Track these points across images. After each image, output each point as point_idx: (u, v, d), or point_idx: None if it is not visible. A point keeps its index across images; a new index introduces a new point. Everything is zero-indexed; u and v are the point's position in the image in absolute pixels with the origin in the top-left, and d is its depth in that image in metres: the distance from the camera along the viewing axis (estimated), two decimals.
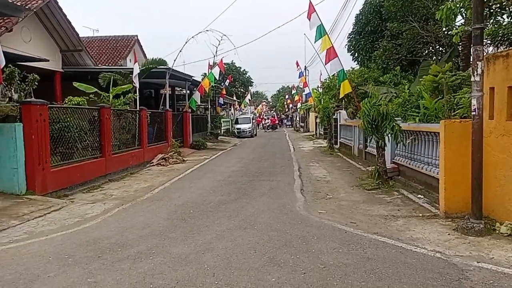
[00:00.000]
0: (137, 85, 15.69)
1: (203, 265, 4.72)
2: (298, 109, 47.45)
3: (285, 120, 68.23)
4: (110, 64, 24.41)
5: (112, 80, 15.53)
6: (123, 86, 15.05)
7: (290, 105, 64.25)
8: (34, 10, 15.10)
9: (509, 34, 9.96)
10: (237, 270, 4.53)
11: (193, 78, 24.32)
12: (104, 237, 5.94)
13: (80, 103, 11.96)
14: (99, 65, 22.30)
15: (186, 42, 20.99)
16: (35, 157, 8.47)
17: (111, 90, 14.43)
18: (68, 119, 9.97)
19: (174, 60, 24.43)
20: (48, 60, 15.45)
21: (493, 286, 3.98)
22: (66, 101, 12.22)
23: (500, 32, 10.07)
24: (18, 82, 10.34)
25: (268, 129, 50.34)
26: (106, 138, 11.69)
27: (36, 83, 10.81)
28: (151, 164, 14.82)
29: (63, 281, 4.35)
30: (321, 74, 30.47)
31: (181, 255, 5.09)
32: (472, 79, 5.89)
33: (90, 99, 13.34)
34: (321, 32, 14.68)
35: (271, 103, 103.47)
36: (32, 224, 6.80)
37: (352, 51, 20.87)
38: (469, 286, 4.00)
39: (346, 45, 21.40)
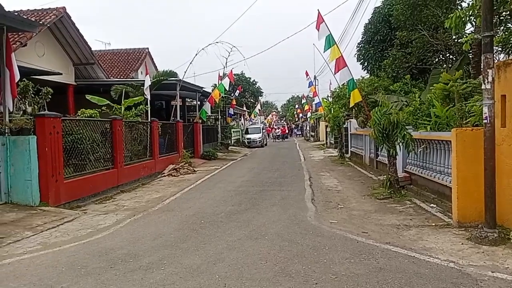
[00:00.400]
0: (148, 97, 15.87)
1: (215, 275, 4.72)
2: (308, 119, 47.42)
3: (295, 130, 68.10)
4: (121, 77, 24.77)
5: (124, 92, 15.75)
6: (134, 98, 15.23)
7: (300, 115, 64.24)
8: (48, 25, 15.46)
9: None
10: (249, 281, 4.53)
11: (203, 89, 24.53)
12: (116, 248, 5.98)
13: (93, 115, 12.13)
14: (111, 77, 22.64)
15: (196, 54, 21.25)
16: (48, 169, 8.59)
17: (123, 102, 14.62)
18: (81, 131, 10.12)
19: (185, 72, 24.67)
20: (61, 74, 15.75)
21: None
22: (79, 114, 12.41)
23: (511, 39, 10.00)
24: (32, 95, 10.57)
25: (278, 139, 49.99)
26: (118, 149, 11.82)
27: (50, 96, 11.04)
28: (163, 175, 14.92)
29: None
30: (330, 83, 30.53)
31: (193, 265, 5.10)
32: (483, 86, 5.86)
33: (103, 111, 13.52)
34: (330, 42, 14.71)
35: (281, 113, 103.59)
36: (46, 235, 6.88)
37: (362, 60, 20.84)
38: None
39: (355, 54, 21.39)
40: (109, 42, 31.49)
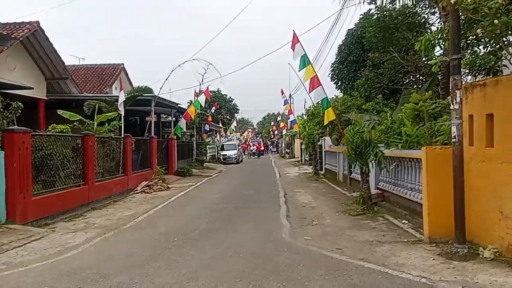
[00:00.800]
0: (122, 112, 15.68)
1: None
2: (284, 136, 47.76)
3: (271, 146, 68.47)
4: (95, 92, 24.40)
5: (97, 108, 15.48)
6: (108, 114, 15.01)
7: (276, 132, 64.67)
8: (20, 39, 15.15)
9: (486, 64, 10.33)
10: None
11: (179, 105, 24.43)
12: (86, 267, 5.79)
13: (64, 130, 11.86)
14: (85, 92, 22.26)
15: (172, 70, 21.25)
16: (16, 186, 8.29)
17: (95, 118, 14.37)
18: (51, 146, 9.86)
19: (160, 88, 24.56)
20: (32, 88, 15.40)
21: None
22: (50, 129, 12.11)
23: (477, 62, 10.43)
24: (1, 110, 10.23)
25: (253, 156, 49.84)
26: (89, 165, 11.55)
27: (20, 111, 10.69)
28: (135, 192, 14.63)
29: None
30: (305, 102, 30.92)
31: (165, 284, 4.98)
32: (452, 107, 6.07)
33: (74, 126, 13.26)
34: (305, 61, 14.99)
35: (256, 130, 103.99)
36: (11, 255, 6.59)
37: (336, 80, 21.31)
38: None
39: (329, 74, 21.87)
40: (83, 57, 31.07)
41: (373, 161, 9.67)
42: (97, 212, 10.77)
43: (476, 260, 5.56)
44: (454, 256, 5.69)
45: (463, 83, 6.61)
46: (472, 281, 4.83)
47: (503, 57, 8.55)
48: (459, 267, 5.37)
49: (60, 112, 14.64)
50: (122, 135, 15.33)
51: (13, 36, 14.27)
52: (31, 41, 16.47)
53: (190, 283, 5.02)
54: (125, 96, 16.58)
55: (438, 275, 5.07)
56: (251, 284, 4.92)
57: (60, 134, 11.24)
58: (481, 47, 10.25)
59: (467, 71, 10.87)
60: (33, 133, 9.20)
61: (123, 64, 28.55)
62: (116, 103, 16.13)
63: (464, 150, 6.09)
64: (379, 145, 9.77)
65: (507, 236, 5.47)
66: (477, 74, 10.69)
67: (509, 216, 5.44)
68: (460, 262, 5.54)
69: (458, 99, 5.97)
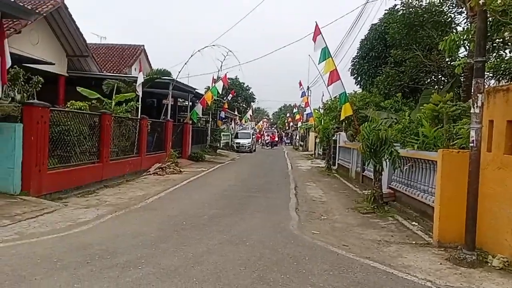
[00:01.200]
0: (140, 93, 15.77)
1: (192, 278, 4.68)
2: (299, 128, 47.57)
3: (285, 138, 68.14)
4: (115, 72, 24.57)
5: (116, 88, 15.60)
6: (126, 94, 15.12)
7: (291, 123, 64.37)
8: (44, 14, 15.30)
9: (511, 69, 10.09)
10: (226, 286, 4.50)
11: (196, 90, 24.47)
12: (95, 243, 5.90)
13: (82, 108, 12.00)
14: (104, 72, 22.46)
15: (192, 55, 21.23)
16: (32, 158, 8.46)
17: (114, 97, 14.49)
18: (69, 122, 10.00)
19: (179, 72, 24.45)
20: (53, 64, 15.58)
21: None
22: (68, 105, 12.27)
23: (502, 66, 10.20)
24: (22, 83, 10.41)
25: (267, 146, 49.41)
26: (105, 144, 11.70)
27: (40, 86, 10.89)
28: (148, 173, 14.80)
29: (49, 285, 4.31)
30: (323, 95, 30.66)
31: (171, 266, 5.05)
32: (472, 111, 5.95)
33: (93, 104, 13.39)
34: (325, 54, 14.85)
35: (272, 120, 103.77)
36: (24, 225, 6.75)
37: (355, 75, 21.05)
38: None
39: (349, 68, 21.60)
40: (105, 36, 31.22)
41: (387, 160, 9.56)
42: (110, 190, 10.93)
43: (484, 268, 5.49)
44: (462, 262, 5.63)
45: (486, 87, 6.47)
46: None
47: None
48: (466, 273, 5.31)
49: (79, 89, 14.81)
50: (139, 116, 15.44)
51: (37, 11, 14.42)
52: (54, 17, 16.64)
53: (196, 267, 5.08)
54: (144, 77, 16.65)
55: (443, 280, 5.02)
56: (255, 273, 4.95)
57: (78, 111, 11.38)
58: (507, 51, 10.01)
59: (491, 74, 10.66)
60: (52, 108, 9.34)
61: (143, 45, 28.66)
62: (134, 84, 16.23)
63: (481, 156, 5.98)
64: (394, 144, 9.65)
65: None
66: (501, 78, 10.46)
67: None
68: (467, 268, 5.48)
69: (479, 103, 5.84)
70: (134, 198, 10.00)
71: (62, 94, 17.55)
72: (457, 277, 5.16)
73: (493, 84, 10.76)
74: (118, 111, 13.92)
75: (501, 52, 10.36)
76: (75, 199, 9.40)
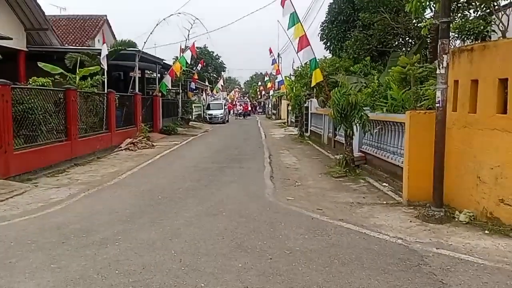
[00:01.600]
0: (105, 67, 15.26)
1: (170, 251, 4.71)
2: (271, 96, 47.49)
3: (257, 107, 67.95)
4: (77, 45, 23.61)
5: (79, 61, 15.02)
6: (90, 68, 14.59)
7: (263, 92, 64.08)
8: None
9: (475, 29, 10.26)
10: (204, 256, 4.56)
11: (164, 61, 23.86)
12: (69, 223, 5.82)
13: (45, 84, 11.54)
14: (66, 45, 21.52)
15: (157, 24, 20.60)
16: None
17: (77, 72, 13.98)
18: (32, 100, 9.61)
19: (145, 43, 23.59)
20: (11, 39, 14.76)
21: (451, 271, 4.16)
22: (30, 82, 11.77)
23: (467, 26, 10.35)
24: None
25: (239, 117, 48.44)
26: (72, 121, 11.35)
27: None
28: (119, 149, 14.55)
29: (25, 267, 4.25)
30: (293, 62, 30.50)
31: (148, 241, 5.06)
32: (438, 71, 6.06)
33: (56, 80, 12.90)
34: (294, 19, 14.65)
35: (244, 90, 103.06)
36: None
37: (325, 40, 20.92)
38: (427, 271, 4.17)
39: (318, 33, 21.44)
40: (64, 7, 29.64)
41: (357, 124, 9.72)
42: (81, 168, 10.72)
43: (452, 223, 5.75)
44: (431, 219, 5.88)
45: (451, 47, 6.58)
46: (446, 243, 5.02)
47: (493, 22, 8.49)
48: (434, 229, 5.56)
49: (41, 64, 14.18)
50: (105, 91, 15.02)
51: None
52: None
53: (173, 239, 5.11)
54: (108, 49, 16.07)
55: (413, 237, 5.24)
56: (233, 242, 5.03)
57: (42, 87, 10.94)
58: (471, 11, 10.15)
59: (456, 35, 10.80)
60: (13, 85, 8.93)
61: (106, 15, 27.55)
62: (98, 56, 15.65)
63: (447, 116, 6.15)
64: (364, 108, 9.79)
65: (483, 200, 5.65)
66: (465, 38, 10.63)
67: (486, 181, 5.59)
68: (436, 224, 5.73)
69: (444, 64, 5.96)
70: (106, 175, 9.85)
71: (22, 71, 16.74)
72: (427, 233, 5.40)
73: (458, 44, 10.94)
74: (84, 86, 13.47)
75: (466, 12, 10.49)
76: (46, 179, 9.18)
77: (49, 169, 9.92)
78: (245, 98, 75.46)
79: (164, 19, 20.65)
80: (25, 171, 9.06)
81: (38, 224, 5.81)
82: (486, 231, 5.35)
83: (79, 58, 15.22)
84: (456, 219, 5.85)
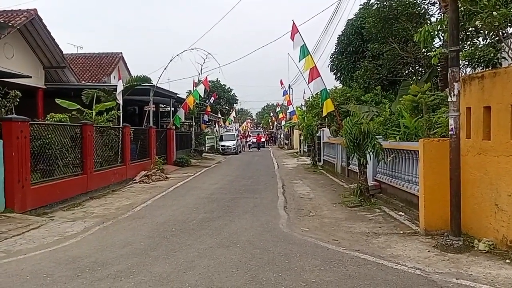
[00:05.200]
0: (120, 102, 15.64)
1: (185, 284, 4.68)
2: (283, 127, 47.67)
3: (272, 137, 67.18)
4: (94, 81, 24.31)
5: (96, 97, 15.45)
6: (106, 103, 14.97)
7: (275, 123, 64.23)
8: (18, 27, 15.04)
9: (485, 56, 10.31)
10: None
11: (177, 95, 24.37)
12: (84, 256, 5.84)
13: (62, 120, 11.84)
14: (83, 81, 22.20)
15: (171, 60, 21.20)
16: (14, 174, 8.31)
17: (94, 107, 14.35)
18: (50, 136, 9.85)
19: (159, 78, 24.55)
20: (30, 77, 15.34)
21: None
22: (48, 118, 12.09)
23: (477, 54, 10.41)
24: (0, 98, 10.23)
25: (251, 148, 46.23)
26: (88, 155, 11.56)
27: (18, 100, 10.70)
28: (134, 181, 14.67)
29: None
30: (304, 93, 30.92)
31: (162, 274, 5.03)
32: (449, 99, 6.08)
33: (73, 115, 13.23)
34: (304, 52, 14.96)
35: (256, 120, 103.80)
36: (10, 243, 6.64)
37: (335, 71, 21.22)
38: None
39: (328, 64, 21.76)
40: (81, 45, 30.84)
41: (371, 153, 9.69)
42: (96, 202, 10.81)
43: (471, 253, 5.61)
44: (449, 248, 5.74)
45: (462, 75, 6.62)
46: (466, 273, 4.89)
47: (502, 50, 8.54)
48: (453, 259, 5.43)
49: (58, 101, 14.61)
50: (121, 125, 15.31)
51: (10, 23, 14.17)
52: (28, 29, 16.37)
53: (188, 272, 5.07)
54: (123, 85, 16.52)
55: (432, 267, 5.12)
56: (247, 274, 4.97)
57: (59, 123, 11.22)
58: (480, 39, 10.24)
59: (466, 63, 10.86)
60: (31, 122, 9.19)
61: (121, 53, 28.39)
62: (114, 92, 16.09)
63: (461, 143, 6.11)
64: (377, 136, 9.78)
65: (502, 229, 5.52)
66: (476, 66, 10.67)
67: (504, 209, 5.47)
68: (454, 254, 5.60)
69: (456, 91, 5.98)
70: (121, 207, 9.91)
71: (41, 107, 17.27)
72: (445, 263, 5.27)
73: (469, 72, 10.98)
74: (100, 121, 13.77)
75: (475, 40, 10.59)
76: (61, 213, 9.27)
77: (65, 203, 10.04)
78: (259, 128, 74.44)
79: (177, 55, 21.34)
80: (42, 205, 9.18)
81: (53, 257, 5.84)
82: (507, 260, 5.20)
83: (95, 94, 15.66)
84: (475, 248, 5.71)
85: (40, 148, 9.43)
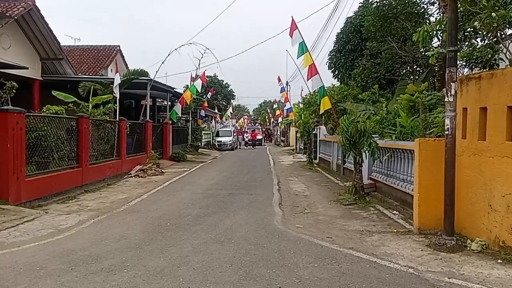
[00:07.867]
0: (117, 95, 15.58)
1: (179, 278, 4.69)
2: (279, 124, 47.71)
3: (271, 134, 65.95)
4: (91, 74, 24.20)
5: (92, 90, 15.38)
6: (103, 96, 14.91)
7: (272, 119, 64.06)
8: (15, 17, 14.93)
9: (483, 57, 10.34)
10: (213, 284, 4.52)
11: (174, 89, 24.30)
12: (78, 249, 5.83)
13: (59, 112, 11.79)
14: (80, 74, 22.10)
15: (168, 54, 21.03)
16: (9, 166, 8.27)
17: (90, 100, 14.29)
18: (46, 128, 9.81)
19: (156, 72, 24.29)
20: (27, 68, 15.23)
21: None
22: (44, 110, 12.04)
23: (474, 54, 10.44)
24: None
25: (247, 146, 44.16)
26: (83, 148, 11.52)
27: (14, 91, 10.67)
28: (129, 176, 14.64)
29: None
30: (302, 90, 30.90)
31: (156, 268, 5.04)
32: (446, 99, 6.10)
33: (69, 108, 13.17)
34: (303, 49, 14.94)
35: (252, 117, 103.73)
36: (4, 235, 6.62)
37: (333, 69, 21.23)
38: None
39: (327, 62, 21.77)
40: (78, 37, 30.61)
41: (366, 152, 9.71)
42: (91, 195, 10.79)
43: (464, 252, 5.65)
44: (442, 247, 5.78)
45: (459, 75, 6.63)
46: (458, 272, 4.92)
47: (500, 51, 8.56)
48: (446, 258, 5.46)
49: (55, 93, 14.54)
50: (117, 118, 15.26)
51: (7, 14, 14.07)
52: (26, 20, 16.26)
53: (182, 267, 5.08)
54: (120, 78, 16.46)
55: (425, 266, 5.15)
56: (241, 270, 4.98)
57: (55, 115, 11.18)
58: (478, 39, 10.27)
59: (464, 63, 10.89)
60: (27, 113, 9.14)
61: (119, 46, 28.24)
62: (111, 85, 16.02)
63: (456, 143, 6.14)
64: (373, 135, 9.81)
65: (495, 229, 5.56)
66: (473, 67, 10.70)
67: (497, 209, 5.51)
68: (447, 253, 5.63)
69: (453, 92, 6.00)
70: (116, 201, 9.90)
71: (37, 99, 17.18)
72: (438, 262, 5.30)
73: (467, 72, 11.01)
74: (96, 114, 13.73)
75: (473, 40, 10.61)
76: (56, 206, 9.24)
77: (59, 196, 10.01)
78: (256, 124, 71.94)
79: (175, 49, 21.14)
80: (36, 197, 9.15)
81: (47, 250, 5.83)
82: (499, 260, 5.25)
83: (92, 87, 15.59)
84: (468, 248, 5.75)
85: (35, 140, 9.39)
